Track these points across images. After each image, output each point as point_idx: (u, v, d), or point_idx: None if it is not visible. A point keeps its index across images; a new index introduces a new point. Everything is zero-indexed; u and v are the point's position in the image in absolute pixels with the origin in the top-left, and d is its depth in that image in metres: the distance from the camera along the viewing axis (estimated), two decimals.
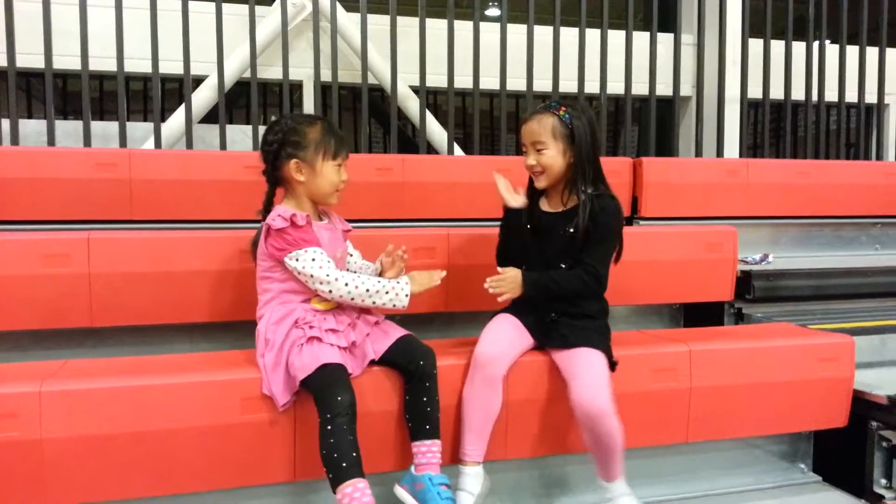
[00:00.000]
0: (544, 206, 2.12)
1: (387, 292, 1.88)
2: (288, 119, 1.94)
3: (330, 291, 1.84)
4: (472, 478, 1.94)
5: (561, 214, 2.05)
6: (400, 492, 1.90)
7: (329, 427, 1.73)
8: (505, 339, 2.02)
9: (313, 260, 1.83)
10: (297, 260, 1.84)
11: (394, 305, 1.90)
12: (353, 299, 1.86)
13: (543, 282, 1.99)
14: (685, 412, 2.18)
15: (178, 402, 1.81)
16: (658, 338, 2.33)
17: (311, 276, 1.83)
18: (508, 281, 1.96)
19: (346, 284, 1.84)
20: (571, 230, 1.99)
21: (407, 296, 1.90)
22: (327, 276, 1.83)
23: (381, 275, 2.05)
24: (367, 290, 1.86)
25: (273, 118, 2.03)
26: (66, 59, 3.40)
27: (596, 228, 1.98)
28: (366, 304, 1.89)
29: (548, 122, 2.00)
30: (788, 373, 2.27)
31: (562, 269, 2.02)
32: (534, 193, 2.13)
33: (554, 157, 2.00)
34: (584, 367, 1.94)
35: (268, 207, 1.96)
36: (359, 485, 1.69)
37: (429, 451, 1.90)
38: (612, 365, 2.02)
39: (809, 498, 2.27)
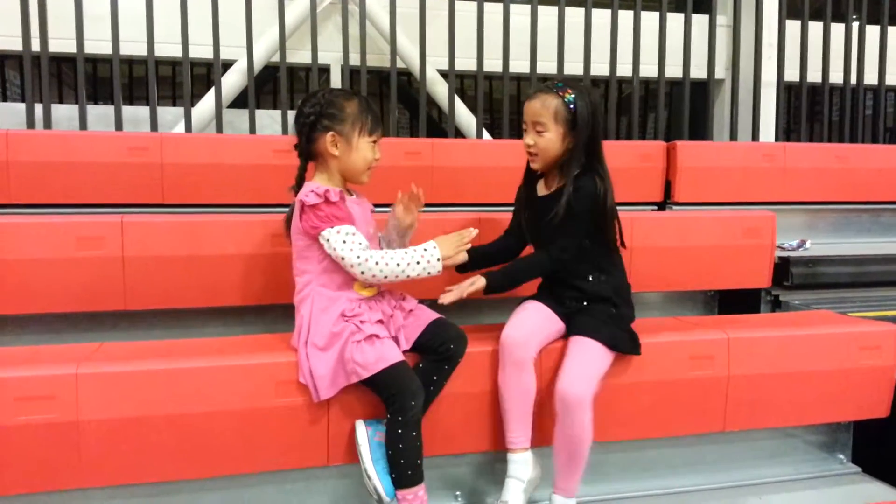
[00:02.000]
0: (540, 190, 2.08)
1: (418, 262, 1.83)
2: (325, 92, 1.90)
3: (362, 273, 1.80)
4: (521, 464, 1.91)
5: (548, 197, 2.01)
6: (360, 428, 1.84)
7: (400, 431, 1.75)
8: (531, 322, 1.99)
9: (344, 242, 1.79)
10: (328, 240, 1.80)
11: (429, 273, 1.86)
12: (386, 278, 1.82)
13: (502, 279, 1.97)
14: (722, 401, 2.14)
15: (212, 385, 1.81)
16: (695, 325, 2.29)
17: (343, 258, 1.79)
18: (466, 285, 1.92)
19: (377, 264, 1.79)
20: (554, 212, 1.93)
21: (439, 260, 1.86)
22: (358, 258, 1.78)
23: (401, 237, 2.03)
24: (398, 265, 1.81)
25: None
26: (97, 43, 3.41)
27: (567, 207, 1.92)
28: (401, 280, 1.84)
29: (551, 104, 1.94)
30: (828, 361, 2.22)
31: (521, 257, 2.05)
32: (532, 177, 2.10)
33: (552, 140, 1.95)
34: (573, 356, 1.91)
35: (300, 183, 1.92)
36: (419, 493, 1.76)
37: None
38: (625, 348, 1.97)
39: (848, 489, 2.22)
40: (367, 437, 1.82)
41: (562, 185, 1.96)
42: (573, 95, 1.93)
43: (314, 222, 1.81)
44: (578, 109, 1.92)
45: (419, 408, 1.78)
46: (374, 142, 1.92)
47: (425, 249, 1.86)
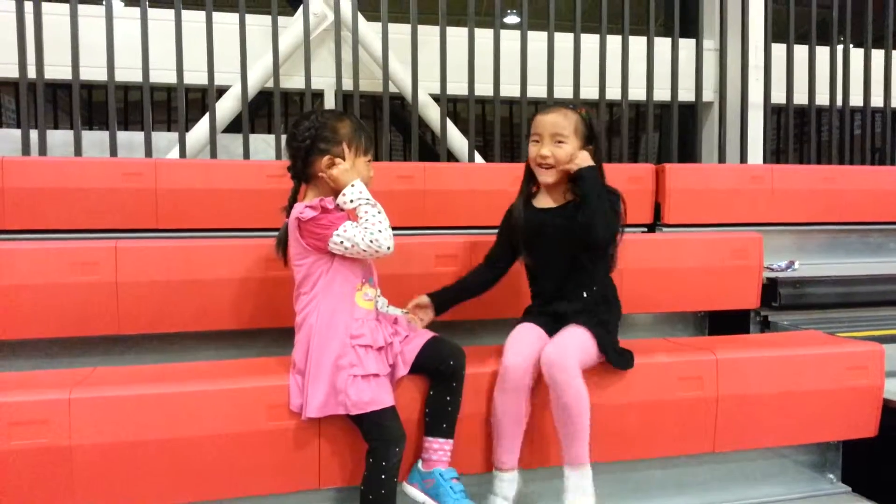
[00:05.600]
0: (539, 203, 2.11)
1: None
2: (317, 115, 1.92)
3: (382, 244, 1.80)
4: (508, 483, 1.95)
5: (559, 209, 2.06)
6: (411, 490, 1.91)
7: (383, 477, 1.78)
8: (529, 348, 2.00)
9: (356, 229, 1.80)
10: (339, 242, 1.80)
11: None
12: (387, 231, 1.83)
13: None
14: (712, 421, 2.16)
15: (205, 410, 1.82)
16: (684, 346, 2.31)
17: (356, 243, 1.79)
18: None
19: (381, 231, 1.80)
20: (573, 219, 1.99)
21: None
22: (371, 234, 1.79)
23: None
24: (382, 217, 1.83)
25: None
26: (93, 70, 3.45)
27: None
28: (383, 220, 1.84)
29: (572, 118, 2.02)
30: (816, 381, 2.24)
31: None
32: (525, 193, 2.14)
33: (570, 152, 2.01)
34: (558, 337, 1.95)
35: (293, 204, 1.92)
36: None
37: (440, 449, 1.90)
38: (613, 357, 2.00)
39: None
40: (423, 494, 1.88)
41: (570, 197, 2.03)
42: (588, 114, 2.04)
43: (319, 233, 1.81)
44: (595, 127, 2.03)
45: (401, 456, 1.81)
46: (369, 160, 1.95)
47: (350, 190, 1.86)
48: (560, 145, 2.01)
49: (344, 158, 1.88)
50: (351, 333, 1.83)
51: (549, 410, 1.99)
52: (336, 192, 1.90)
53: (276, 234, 2.03)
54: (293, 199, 1.95)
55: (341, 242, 1.81)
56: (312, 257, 1.85)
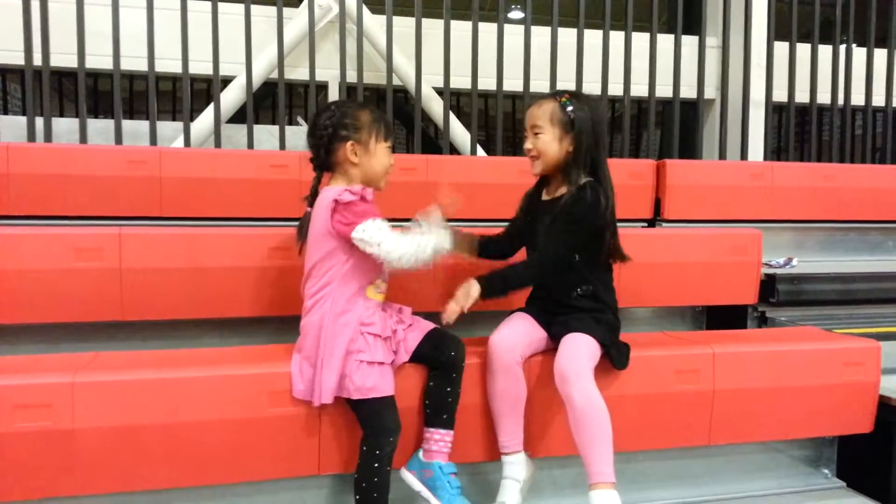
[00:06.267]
0: (543, 195, 2.13)
1: (429, 241, 1.88)
2: (337, 105, 1.96)
3: (399, 258, 1.82)
4: (516, 465, 1.96)
5: (549, 202, 2.06)
6: (408, 476, 1.93)
7: (377, 465, 1.80)
8: (517, 328, 2.03)
9: (380, 230, 1.82)
10: (364, 231, 1.81)
11: (442, 248, 1.91)
12: (416, 259, 1.84)
13: (497, 284, 1.98)
14: (708, 415, 2.18)
15: (207, 395, 1.84)
16: (681, 339, 2.33)
17: (379, 243, 1.81)
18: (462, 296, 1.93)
19: (413, 247, 1.83)
20: (551, 218, 1.99)
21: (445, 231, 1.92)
22: (395, 242, 1.82)
23: None
24: (419, 244, 1.85)
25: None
26: (98, 58, 3.47)
27: (566, 214, 1.96)
28: (421, 260, 1.86)
29: (547, 107, 2.00)
30: (813, 377, 2.26)
31: (517, 262, 2.06)
32: (540, 183, 2.15)
33: (549, 142, 1.99)
34: (564, 348, 1.93)
35: (314, 194, 1.95)
36: None
37: (441, 440, 1.93)
38: (613, 355, 2.00)
39: None
40: (420, 483, 1.91)
41: (564, 191, 2.01)
42: (569, 100, 1.99)
43: (350, 219, 1.83)
44: (575, 113, 1.97)
45: (395, 445, 1.83)
46: (389, 147, 1.98)
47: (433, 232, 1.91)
48: (538, 136, 2.01)
49: (364, 144, 1.92)
50: (362, 321, 1.86)
51: (546, 397, 2.02)
52: (360, 180, 1.93)
53: (279, 223, 2.05)
54: (315, 189, 1.97)
55: (365, 231, 1.81)
56: (334, 244, 1.87)
